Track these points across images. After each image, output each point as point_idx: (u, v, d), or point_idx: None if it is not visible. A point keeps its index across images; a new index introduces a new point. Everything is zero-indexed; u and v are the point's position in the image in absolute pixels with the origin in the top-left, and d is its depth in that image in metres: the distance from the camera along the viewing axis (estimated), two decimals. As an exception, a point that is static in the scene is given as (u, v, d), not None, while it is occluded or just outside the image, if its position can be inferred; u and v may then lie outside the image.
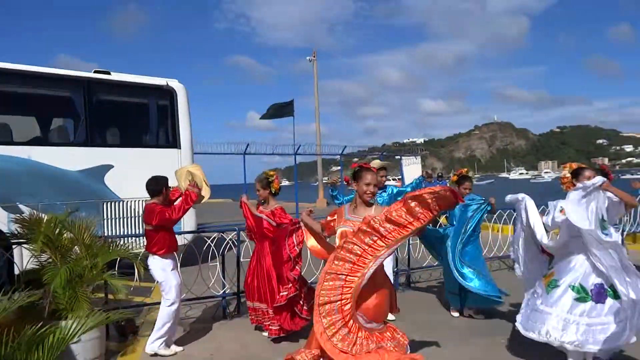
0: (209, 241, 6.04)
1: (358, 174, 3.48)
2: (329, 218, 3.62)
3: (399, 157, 25.84)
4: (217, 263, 5.94)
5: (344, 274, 3.15)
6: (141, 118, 9.12)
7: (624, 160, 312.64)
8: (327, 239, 3.91)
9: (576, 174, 4.28)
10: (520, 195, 4.62)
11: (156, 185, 4.77)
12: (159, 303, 4.76)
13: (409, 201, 3.13)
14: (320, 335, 3.11)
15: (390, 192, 5.83)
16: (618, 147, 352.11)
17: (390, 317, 4.43)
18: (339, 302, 3.11)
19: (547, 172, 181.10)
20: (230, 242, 6.09)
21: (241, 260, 5.93)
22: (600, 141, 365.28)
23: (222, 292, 5.91)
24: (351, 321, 3.11)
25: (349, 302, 3.10)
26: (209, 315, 5.86)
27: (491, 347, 4.69)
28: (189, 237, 7.81)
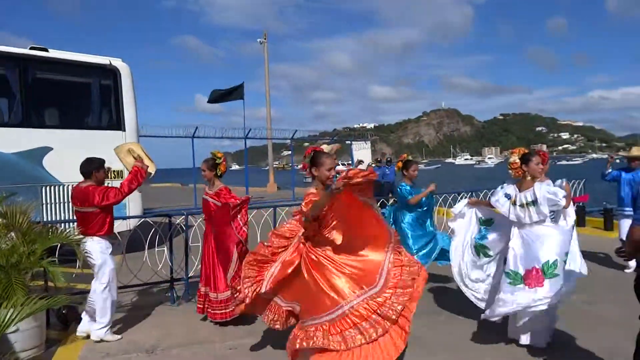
0: (155, 226, 5.91)
1: (317, 160, 3.44)
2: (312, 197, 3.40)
3: (349, 142, 26.08)
4: (165, 248, 5.83)
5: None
6: (82, 98, 8.74)
7: (560, 147, 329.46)
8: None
9: (525, 160, 4.39)
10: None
11: (87, 166, 4.61)
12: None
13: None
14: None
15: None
16: (556, 135, 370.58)
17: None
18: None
19: (491, 157, 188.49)
20: (178, 226, 5.98)
21: (190, 245, 5.84)
22: (539, 128, 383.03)
23: (169, 277, 5.81)
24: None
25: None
26: (156, 301, 5.75)
27: (433, 324, 4.86)
28: (135, 222, 7.62)
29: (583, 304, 5.34)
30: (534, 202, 4.20)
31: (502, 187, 4.59)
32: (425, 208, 5.99)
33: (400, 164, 6.06)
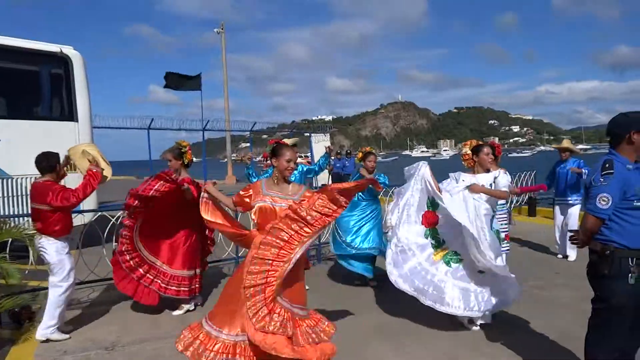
0: (113, 220, 5.74)
1: (277, 151, 3.44)
2: (242, 193, 3.48)
3: (308, 134, 26.05)
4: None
5: (271, 259, 3.12)
6: (32, 88, 8.33)
7: (511, 140, 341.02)
8: (236, 215, 3.77)
9: (476, 151, 4.68)
10: (419, 163, 4.81)
11: (47, 161, 4.41)
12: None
13: (336, 193, 3.21)
14: (243, 316, 3.10)
15: (300, 170, 5.93)
16: (507, 128, 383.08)
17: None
18: (263, 285, 3.10)
19: (446, 150, 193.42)
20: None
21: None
22: (492, 122, 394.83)
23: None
24: (272, 303, 3.11)
25: (272, 286, 3.10)
26: (114, 297, 5.60)
27: (398, 313, 4.97)
28: (90, 216, 7.35)
29: (534, 289, 5.60)
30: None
31: (455, 178, 4.78)
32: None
33: (360, 155, 6.20)
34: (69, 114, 8.26)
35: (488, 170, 4.69)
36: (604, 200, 2.81)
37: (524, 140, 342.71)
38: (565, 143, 7.44)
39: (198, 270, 5.15)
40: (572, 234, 3.11)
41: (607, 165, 2.86)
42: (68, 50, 8.35)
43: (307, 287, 4.87)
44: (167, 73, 18.79)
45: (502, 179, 4.63)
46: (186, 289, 4.98)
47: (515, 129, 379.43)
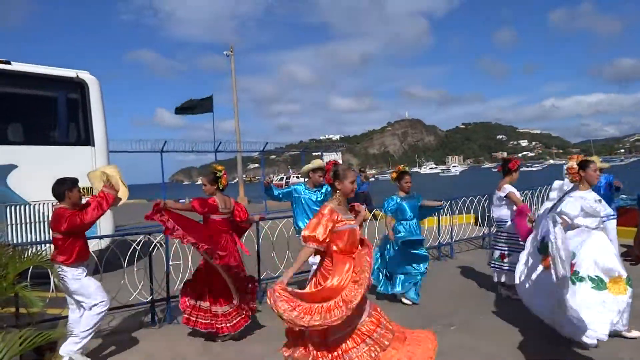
0: (134, 244, 5.62)
1: (340, 174, 3.41)
2: (322, 229, 3.21)
3: (319, 153, 26.07)
4: (145, 267, 5.55)
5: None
6: (49, 113, 8.33)
7: (520, 154, 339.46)
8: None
9: (584, 166, 4.56)
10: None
11: (58, 187, 4.30)
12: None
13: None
14: None
15: (325, 190, 5.86)
16: (515, 142, 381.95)
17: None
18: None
19: (455, 166, 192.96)
20: (157, 244, 5.71)
21: (170, 263, 5.59)
22: (500, 136, 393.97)
23: (149, 298, 5.52)
24: None
25: None
26: (135, 324, 5.46)
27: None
28: (107, 240, 7.26)
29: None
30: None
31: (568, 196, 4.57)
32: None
33: (394, 175, 6.13)
34: (86, 139, 8.23)
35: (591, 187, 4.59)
36: (662, 214, 2.65)
37: (533, 154, 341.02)
38: (596, 161, 7.24)
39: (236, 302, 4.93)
40: (625, 249, 2.95)
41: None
42: (84, 75, 8.37)
43: None
44: (177, 108, 18.97)
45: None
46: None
47: (524, 143, 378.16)
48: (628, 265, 6.74)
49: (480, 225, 10.18)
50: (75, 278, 4.24)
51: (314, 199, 5.75)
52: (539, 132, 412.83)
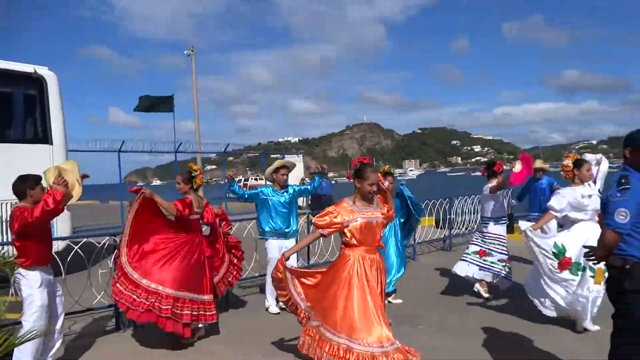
0: (98, 246, 5.46)
1: (362, 174, 3.56)
2: (329, 218, 3.57)
3: (279, 155, 26.05)
4: (108, 270, 5.40)
5: None
6: (4, 109, 7.94)
7: (473, 160, 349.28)
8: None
9: (578, 165, 4.99)
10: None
11: (20, 185, 4.09)
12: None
13: None
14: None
15: (292, 192, 5.86)
16: (469, 148, 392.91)
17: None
18: None
19: (412, 169, 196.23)
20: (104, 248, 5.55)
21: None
22: (454, 142, 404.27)
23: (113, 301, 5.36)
24: None
25: None
26: (99, 328, 5.30)
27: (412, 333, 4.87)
28: (63, 244, 6.97)
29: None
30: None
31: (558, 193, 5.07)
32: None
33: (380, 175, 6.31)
34: (44, 137, 7.93)
35: (583, 183, 4.99)
36: (622, 215, 2.83)
37: (486, 159, 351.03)
38: (538, 163, 7.75)
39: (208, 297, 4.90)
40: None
41: (623, 181, 2.90)
42: (43, 70, 8.06)
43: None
44: (140, 98, 18.52)
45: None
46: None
47: (477, 148, 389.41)
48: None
49: (441, 228, 10.46)
50: (29, 285, 3.98)
51: (282, 201, 5.73)
52: (491, 138, 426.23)
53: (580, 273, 4.70)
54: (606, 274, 3.12)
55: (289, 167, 5.91)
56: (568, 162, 5.09)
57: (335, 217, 3.54)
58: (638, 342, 2.86)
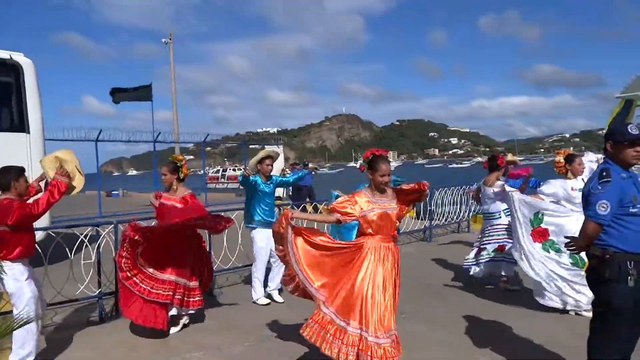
0: (81, 237, 5.39)
1: (374, 165, 3.67)
2: (344, 205, 3.67)
3: (258, 146, 25.98)
4: (91, 261, 5.36)
5: None
6: (-22, 97, 7.76)
7: (450, 152, 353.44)
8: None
9: (570, 160, 5.24)
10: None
11: (4, 176, 4.01)
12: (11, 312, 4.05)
13: None
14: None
15: (274, 182, 5.87)
16: (446, 140, 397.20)
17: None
18: None
19: (390, 161, 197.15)
20: (87, 238, 5.49)
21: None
22: (432, 134, 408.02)
23: (97, 292, 5.32)
24: None
25: None
26: (83, 319, 5.25)
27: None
28: (41, 234, 6.83)
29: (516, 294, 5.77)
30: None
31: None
32: None
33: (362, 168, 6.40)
34: (20, 125, 7.75)
35: (576, 177, 5.27)
36: (603, 207, 2.93)
37: (462, 152, 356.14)
38: (510, 157, 7.84)
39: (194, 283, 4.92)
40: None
41: (604, 174, 2.99)
42: (18, 57, 7.85)
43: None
44: (112, 89, 18.17)
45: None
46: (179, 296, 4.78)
47: (454, 141, 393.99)
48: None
49: (421, 219, 10.60)
50: (15, 278, 3.93)
51: (267, 191, 5.75)
52: (468, 130, 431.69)
53: (552, 252, 4.99)
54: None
55: (274, 157, 5.89)
56: (560, 158, 5.33)
57: (353, 206, 3.64)
58: (615, 329, 2.98)
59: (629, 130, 3.00)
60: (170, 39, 26.96)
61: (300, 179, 6.25)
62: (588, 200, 3.02)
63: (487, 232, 6.21)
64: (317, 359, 4.09)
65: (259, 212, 5.70)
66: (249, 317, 5.27)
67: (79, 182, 4.45)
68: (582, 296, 4.82)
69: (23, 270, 4.00)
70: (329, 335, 3.46)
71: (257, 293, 5.78)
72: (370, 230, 3.63)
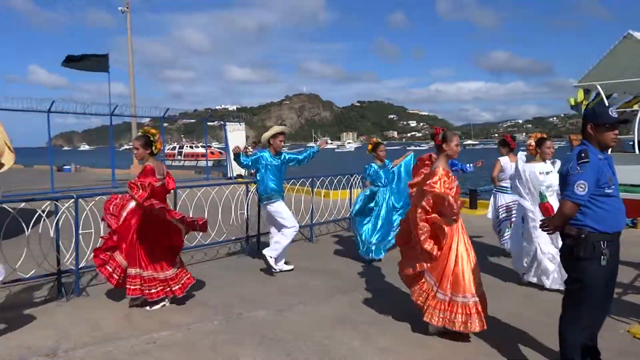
0: (39, 211, 5.07)
1: (448, 137, 4.04)
2: (446, 180, 3.90)
3: (216, 123, 25.51)
4: (50, 238, 5.07)
5: None
6: None
7: (409, 134, 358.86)
8: None
9: (540, 143, 5.43)
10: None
11: None
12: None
13: None
14: None
15: (283, 159, 6.12)
16: (405, 122, 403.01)
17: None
18: None
19: (350, 142, 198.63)
20: (66, 211, 5.23)
21: (80, 232, 5.16)
22: (391, 116, 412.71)
23: (57, 268, 5.06)
24: None
25: None
26: (37, 298, 4.99)
27: (354, 303, 4.96)
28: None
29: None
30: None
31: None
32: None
33: (370, 147, 6.84)
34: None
35: (544, 161, 5.41)
36: (581, 187, 2.98)
37: (420, 134, 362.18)
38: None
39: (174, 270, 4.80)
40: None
41: (582, 155, 3.03)
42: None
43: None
44: (67, 57, 17.25)
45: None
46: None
47: (413, 123, 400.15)
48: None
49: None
50: None
51: (276, 164, 5.98)
52: (426, 114, 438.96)
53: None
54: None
55: (286, 133, 6.28)
56: (531, 141, 5.62)
57: (446, 182, 3.90)
58: (585, 305, 3.07)
59: (610, 113, 3.06)
60: (127, 7, 25.82)
61: (311, 157, 6.42)
62: (566, 181, 3.06)
63: (510, 206, 6.46)
64: (290, 335, 4.06)
65: (272, 184, 5.91)
66: (217, 295, 5.16)
67: (7, 158, 4.18)
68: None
69: None
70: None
71: (280, 261, 6.06)
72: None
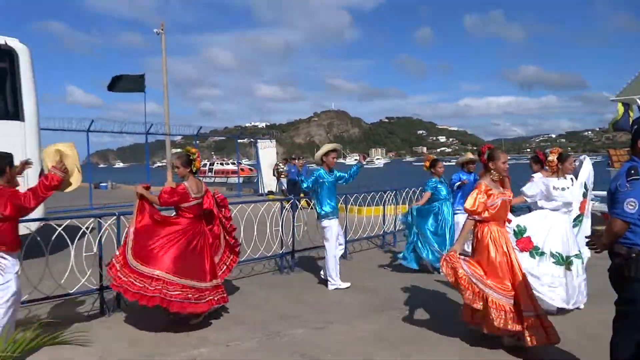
0: (83, 228, 5.23)
1: (495, 155, 4.16)
2: (482, 197, 4.07)
3: (252, 140, 25.83)
4: (93, 253, 5.20)
5: None
6: (-28, 83, 7.51)
7: (438, 150, 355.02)
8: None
9: (564, 159, 5.19)
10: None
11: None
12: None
13: None
14: None
15: (335, 175, 6.24)
16: (434, 138, 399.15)
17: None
18: None
19: (378, 158, 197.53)
20: (109, 228, 5.36)
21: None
22: (420, 132, 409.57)
23: (99, 284, 5.18)
24: None
25: None
26: (80, 313, 5.11)
27: (391, 320, 4.90)
28: (35, 225, 6.63)
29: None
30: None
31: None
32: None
33: (427, 164, 7.16)
34: (15, 113, 7.52)
35: (564, 176, 5.19)
36: (631, 205, 2.89)
37: (450, 150, 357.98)
38: (469, 155, 7.76)
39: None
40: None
41: (632, 172, 2.95)
42: (13, 42, 7.62)
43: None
44: (114, 78, 17.89)
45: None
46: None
47: (442, 139, 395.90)
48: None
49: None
50: (6, 270, 3.80)
51: (332, 180, 6.13)
52: (456, 129, 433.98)
53: (537, 257, 4.90)
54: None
55: (338, 150, 6.42)
56: (553, 157, 5.27)
57: (482, 200, 4.04)
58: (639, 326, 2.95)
59: None
60: (162, 29, 26.56)
61: (357, 174, 6.55)
62: (615, 198, 2.98)
63: None
64: (329, 354, 4.04)
65: (329, 202, 6.04)
66: (255, 313, 5.18)
67: (76, 179, 4.35)
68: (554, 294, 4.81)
69: (12, 263, 3.87)
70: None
71: (336, 279, 6.10)
72: (489, 217, 4.07)
